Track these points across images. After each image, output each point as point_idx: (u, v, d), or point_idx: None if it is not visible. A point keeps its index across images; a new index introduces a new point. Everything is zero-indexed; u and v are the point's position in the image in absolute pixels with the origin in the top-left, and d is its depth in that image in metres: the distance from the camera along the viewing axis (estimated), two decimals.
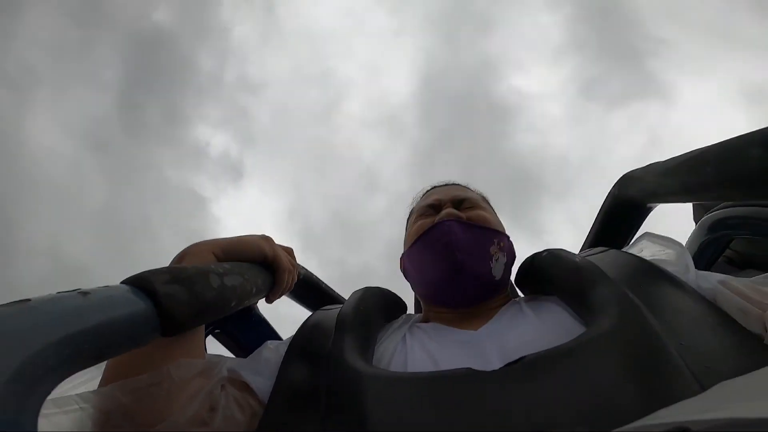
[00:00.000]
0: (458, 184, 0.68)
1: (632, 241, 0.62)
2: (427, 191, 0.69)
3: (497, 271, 0.53)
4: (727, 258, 0.82)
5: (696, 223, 0.84)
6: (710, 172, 0.38)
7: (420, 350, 0.44)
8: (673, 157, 0.47)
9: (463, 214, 0.56)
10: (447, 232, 0.52)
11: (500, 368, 0.33)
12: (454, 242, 0.51)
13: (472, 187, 0.68)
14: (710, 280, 0.42)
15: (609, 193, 0.68)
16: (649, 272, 0.45)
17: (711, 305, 0.39)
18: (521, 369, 0.33)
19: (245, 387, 0.43)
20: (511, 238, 0.59)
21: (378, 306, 0.55)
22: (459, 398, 0.32)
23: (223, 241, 0.46)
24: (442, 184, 0.69)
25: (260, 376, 0.45)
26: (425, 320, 0.56)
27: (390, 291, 0.63)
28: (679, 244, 0.49)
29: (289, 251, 0.54)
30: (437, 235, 0.53)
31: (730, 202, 0.63)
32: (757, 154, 0.31)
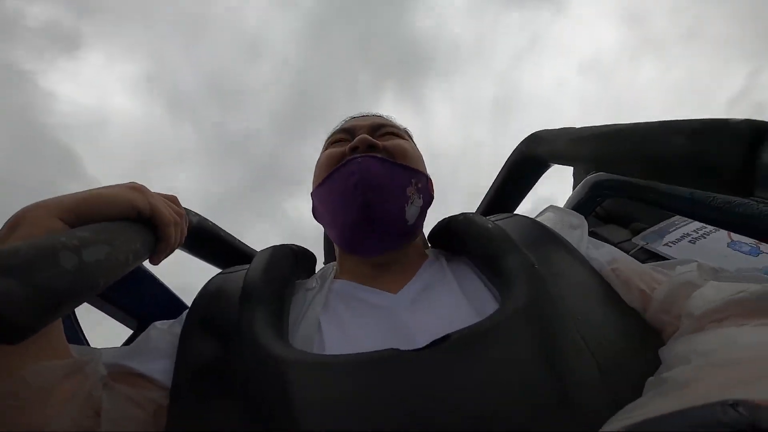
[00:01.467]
0: (380, 115, 0.60)
1: (539, 213, 0.66)
2: (345, 120, 0.60)
3: (411, 216, 0.48)
4: (595, 213, 1.00)
5: (573, 180, 0.98)
6: (627, 148, 0.40)
7: (337, 326, 0.41)
8: (587, 127, 0.49)
9: (379, 143, 0.50)
10: (357, 169, 0.46)
11: (425, 348, 0.32)
12: (365, 180, 0.45)
13: (396, 121, 0.61)
14: (601, 254, 0.45)
15: (516, 149, 0.70)
16: (552, 241, 0.47)
17: (599, 278, 0.42)
18: (447, 350, 0.32)
19: (138, 379, 0.36)
20: (430, 179, 0.55)
21: (289, 269, 0.49)
22: (386, 384, 0.30)
23: (71, 199, 0.32)
24: (361, 115, 0.61)
25: (155, 361, 0.37)
26: (339, 274, 0.52)
27: (299, 246, 0.56)
28: (580, 217, 0.52)
29: (172, 199, 0.42)
30: (346, 173, 0.46)
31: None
32: (679, 142, 0.32)
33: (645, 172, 0.38)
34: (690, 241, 0.81)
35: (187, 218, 0.46)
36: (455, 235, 0.53)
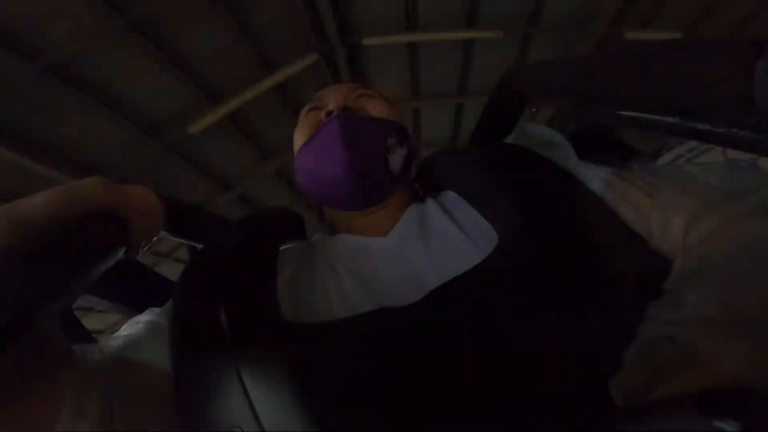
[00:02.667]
0: (354, 84, 0.59)
1: (514, 132, 0.63)
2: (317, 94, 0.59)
3: (395, 165, 0.48)
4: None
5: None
6: (620, 70, 0.37)
7: (340, 281, 0.40)
8: (570, 56, 0.46)
9: (353, 104, 0.50)
10: (335, 127, 0.46)
11: (424, 300, 0.31)
12: (344, 137, 0.45)
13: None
14: (594, 173, 0.41)
15: (496, 86, 0.67)
16: (538, 162, 0.44)
17: (596, 198, 0.38)
18: (447, 301, 0.30)
19: (141, 368, 0.35)
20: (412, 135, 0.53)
21: (275, 228, 0.48)
22: (381, 349, 0.29)
23: (21, 211, 0.29)
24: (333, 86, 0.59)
25: (152, 348, 0.36)
26: (333, 229, 0.52)
27: (285, 208, 0.56)
28: (558, 134, 0.49)
29: (139, 189, 0.39)
30: (325, 134, 0.47)
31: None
32: (682, 60, 0.30)
33: (640, 95, 0.35)
34: (685, 162, 0.79)
35: (162, 204, 0.43)
36: (436, 171, 0.51)
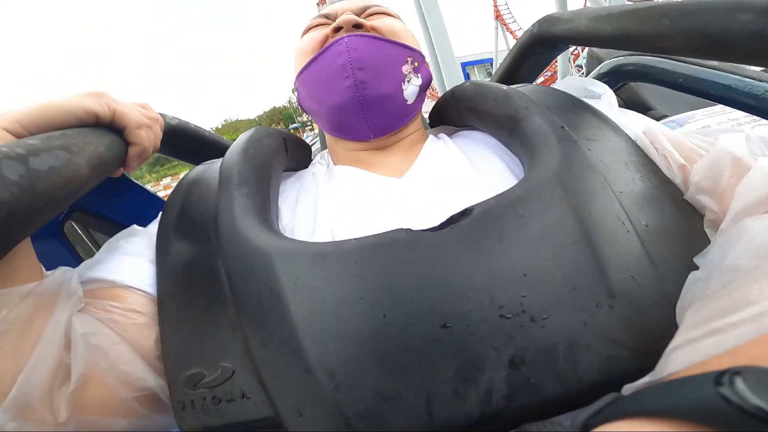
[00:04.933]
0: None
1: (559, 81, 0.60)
2: (324, 6, 0.52)
3: (410, 95, 0.44)
4: None
5: (586, 69, 0.89)
6: (667, 25, 0.33)
7: (339, 212, 0.38)
8: (614, 6, 0.41)
9: (366, 22, 0.44)
10: (345, 49, 0.41)
11: (443, 227, 0.28)
12: (355, 60, 0.41)
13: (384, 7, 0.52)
14: (633, 122, 0.39)
15: (527, 30, 0.62)
16: (579, 106, 0.40)
17: (636, 148, 0.36)
18: (469, 227, 0.27)
19: (121, 292, 0.33)
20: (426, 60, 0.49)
21: (274, 148, 0.44)
22: (398, 271, 0.26)
23: (16, 111, 0.29)
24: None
25: (135, 269, 0.35)
26: (335, 161, 0.49)
27: (288, 131, 0.52)
28: (603, 85, 0.45)
29: (142, 105, 0.38)
30: (332, 55, 0.42)
31: (626, 52, 0.65)
32: (746, 19, 0.26)
33: (694, 52, 0.32)
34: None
35: (164, 121, 0.42)
36: (462, 104, 0.46)
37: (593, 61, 0.83)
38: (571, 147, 0.32)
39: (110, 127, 0.33)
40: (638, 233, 0.28)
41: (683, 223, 0.30)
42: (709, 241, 0.29)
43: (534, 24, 0.60)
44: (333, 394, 0.25)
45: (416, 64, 0.44)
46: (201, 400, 0.27)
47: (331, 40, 0.43)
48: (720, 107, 0.66)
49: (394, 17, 0.48)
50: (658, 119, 0.87)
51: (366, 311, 0.26)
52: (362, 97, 0.41)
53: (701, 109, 0.70)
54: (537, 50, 0.62)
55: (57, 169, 0.25)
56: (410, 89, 0.44)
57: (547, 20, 0.57)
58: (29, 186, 0.23)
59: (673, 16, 0.32)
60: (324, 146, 0.86)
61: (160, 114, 0.43)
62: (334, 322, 0.26)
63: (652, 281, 0.26)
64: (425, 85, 0.46)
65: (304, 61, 0.45)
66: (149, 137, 0.36)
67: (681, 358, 0.20)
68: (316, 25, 0.48)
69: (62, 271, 0.32)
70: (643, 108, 0.92)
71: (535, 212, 0.28)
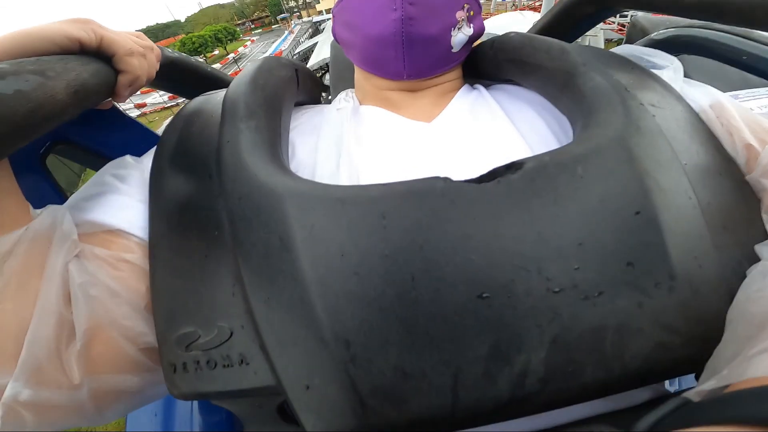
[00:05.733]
0: None
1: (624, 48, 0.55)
2: None
3: (457, 43, 0.40)
4: None
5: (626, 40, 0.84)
6: None
7: (364, 154, 0.35)
8: None
9: None
10: None
11: (486, 177, 0.25)
12: None
13: None
14: (700, 93, 0.36)
15: None
16: (640, 71, 0.36)
17: (701, 121, 0.33)
18: (519, 182, 0.24)
19: (112, 236, 0.30)
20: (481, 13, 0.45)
21: (285, 80, 0.40)
22: (434, 225, 0.23)
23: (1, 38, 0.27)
24: None
25: (127, 209, 0.31)
26: (362, 100, 0.45)
27: (300, 63, 0.48)
28: (670, 56, 0.41)
29: (136, 35, 0.35)
30: None
31: (675, 25, 0.63)
32: None
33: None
34: None
35: (162, 53, 0.39)
36: (503, 55, 0.42)
37: (637, 32, 0.77)
38: (638, 109, 0.29)
39: (97, 54, 0.30)
40: (703, 212, 0.25)
41: (743, 206, 0.28)
42: (764, 229, 0.27)
43: None
44: (347, 367, 0.22)
45: (471, 12, 0.41)
46: (194, 364, 0.24)
47: None
48: (766, 90, 0.62)
49: None
50: None
51: (392, 271, 0.22)
52: (406, 34, 0.37)
53: (744, 90, 0.66)
54: (586, 9, 0.56)
55: (25, 92, 0.22)
56: (459, 37, 0.40)
57: None
58: None
59: None
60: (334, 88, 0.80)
61: (159, 47, 0.40)
62: (352, 283, 0.22)
63: (713, 265, 0.24)
64: (475, 37, 0.43)
65: None
66: (142, 65, 0.33)
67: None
68: None
69: (52, 210, 0.28)
70: None
71: (597, 174, 0.24)
